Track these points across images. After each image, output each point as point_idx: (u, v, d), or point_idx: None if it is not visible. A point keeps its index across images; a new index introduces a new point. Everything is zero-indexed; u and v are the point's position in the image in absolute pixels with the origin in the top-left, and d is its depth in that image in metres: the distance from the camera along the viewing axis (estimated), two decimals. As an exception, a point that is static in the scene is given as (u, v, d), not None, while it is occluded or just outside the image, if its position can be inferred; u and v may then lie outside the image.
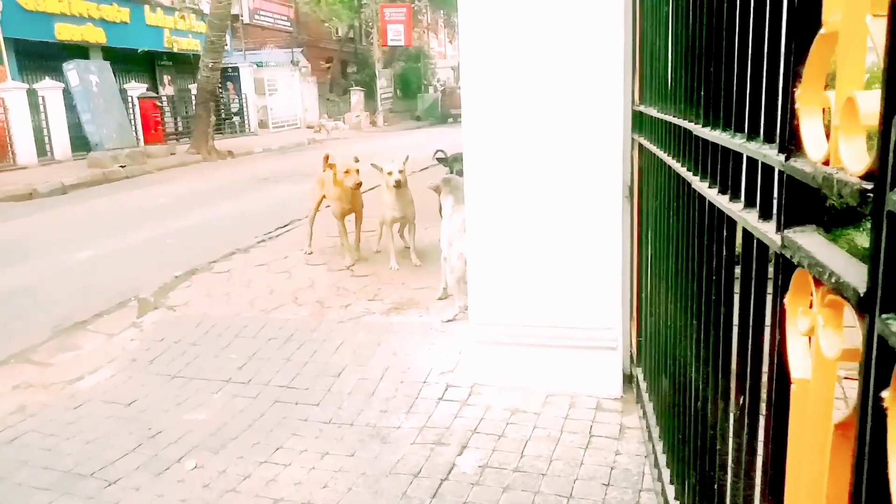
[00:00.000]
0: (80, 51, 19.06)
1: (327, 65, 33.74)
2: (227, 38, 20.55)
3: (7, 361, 4.30)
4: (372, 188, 7.11)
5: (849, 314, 0.83)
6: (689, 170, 1.83)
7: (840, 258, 0.85)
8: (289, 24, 31.37)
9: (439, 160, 6.50)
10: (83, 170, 14.51)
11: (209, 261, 6.39)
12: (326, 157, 6.50)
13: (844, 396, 2.47)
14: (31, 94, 16.27)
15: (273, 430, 3.30)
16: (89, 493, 2.83)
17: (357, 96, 30.23)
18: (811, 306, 0.94)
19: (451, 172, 5.67)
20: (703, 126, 1.62)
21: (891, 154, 0.66)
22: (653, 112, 2.55)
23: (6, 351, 4.43)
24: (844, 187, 0.78)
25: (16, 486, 2.90)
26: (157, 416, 3.49)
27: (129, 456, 3.12)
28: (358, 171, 5.96)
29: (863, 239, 4.25)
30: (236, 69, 25.75)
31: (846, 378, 2.29)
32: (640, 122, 3.00)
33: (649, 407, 2.90)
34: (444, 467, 2.90)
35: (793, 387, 1.00)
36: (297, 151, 19.86)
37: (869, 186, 0.72)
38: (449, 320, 4.36)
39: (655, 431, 2.69)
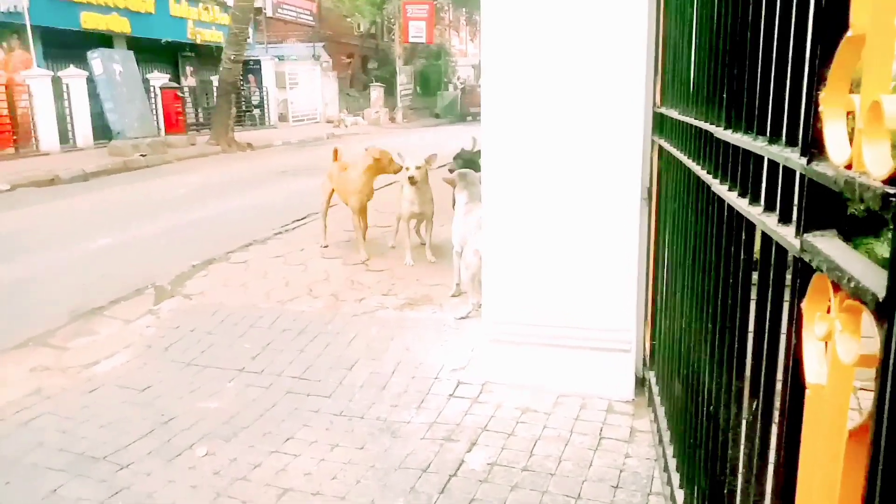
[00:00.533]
0: (104, 40, 19.23)
1: (348, 60, 33.82)
2: (250, 30, 20.69)
3: (25, 344, 4.36)
4: (389, 184, 7.13)
5: (867, 321, 0.82)
6: (708, 172, 1.82)
7: (859, 263, 0.85)
8: (311, 18, 31.49)
9: (455, 158, 6.48)
10: (104, 158, 14.64)
11: (226, 251, 6.44)
12: (336, 151, 6.55)
13: (859, 407, 2.44)
14: (56, 81, 16.43)
15: (284, 421, 3.32)
16: (102, 476, 2.86)
17: (377, 92, 30.27)
18: (829, 311, 0.93)
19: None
20: (725, 128, 1.61)
21: (915, 158, 0.66)
22: (674, 114, 2.53)
23: (25, 334, 4.49)
24: (867, 191, 0.77)
25: (31, 466, 2.94)
26: (170, 403, 3.52)
27: (141, 441, 3.15)
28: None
29: (882, 248, 4.20)
30: (258, 62, 25.86)
31: (861, 388, 2.27)
32: (660, 124, 2.98)
33: (661, 410, 2.89)
34: (453, 463, 2.90)
35: (807, 392, 0.99)
36: (316, 145, 19.91)
37: (892, 191, 0.71)
38: (462, 317, 4.36)
39: (666, 435, 2.68)
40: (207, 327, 4.50)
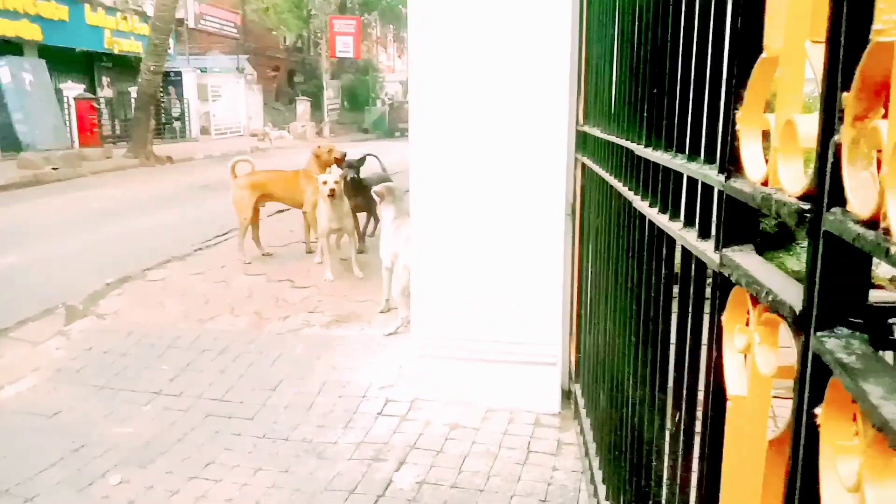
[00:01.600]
0: (13, 47, 18.29)
1: (274, 73, 33.33)
2: (171, 41, 20.08)
3: (-81, 369, 4.05)
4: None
5: (784, 333, 0.84)
6: (630, 189, 1.86)
7: (777, 277, 0.87)
8: (235, 30, 30.88)
9: (349, 166, 6.49)
10: (13, 170, 13.89)
11: (143, 268, 6.19)
12: (233, 167, 6.72)
13: (773, 415, 2.54)
14: (-42, 89, 15.56)
15: (204, 445, 3.19)
16: (4, 509, 2.68)
17: (303, 106, 29.92)
18: (748, 324, 0.95)
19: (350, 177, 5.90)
20: (646, 146, 1.65)
21: (828, 175, 0.68)
22: (596, 132, 2.59)
23: (-82, 358, 4.18)
24: (783, 207, 0.79)
25: (-78, 502, 2.73)
26: (82, 429, 3.33)
27: (50, 470, 2.96)
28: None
29: (792, 262, 4.41)
30: (179, 73, 25.18)
31: (776, 397, 2.36)
32: (583, 142, 3.05)
33: (587, 423, 2.93)
34: (381, 483, 2.86)
35: (729, 403, 1.01)
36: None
37: (806, 207, 0.73)
38: (391, 333, 4.32)
39: (592, 447, 2.71)
40: (122, 349, 4.29)
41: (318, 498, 2.76)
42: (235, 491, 2.82)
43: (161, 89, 19.71)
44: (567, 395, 3.50)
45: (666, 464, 1.44)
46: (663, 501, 1.49)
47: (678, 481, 1.34)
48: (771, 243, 4.70)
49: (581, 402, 3.16)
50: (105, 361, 4.14)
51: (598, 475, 2.52)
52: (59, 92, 18.69)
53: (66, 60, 20.58)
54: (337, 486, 2.84)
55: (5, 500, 2.75)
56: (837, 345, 0.67)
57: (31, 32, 18.95)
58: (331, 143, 6.52)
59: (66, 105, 18.69)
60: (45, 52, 19.33)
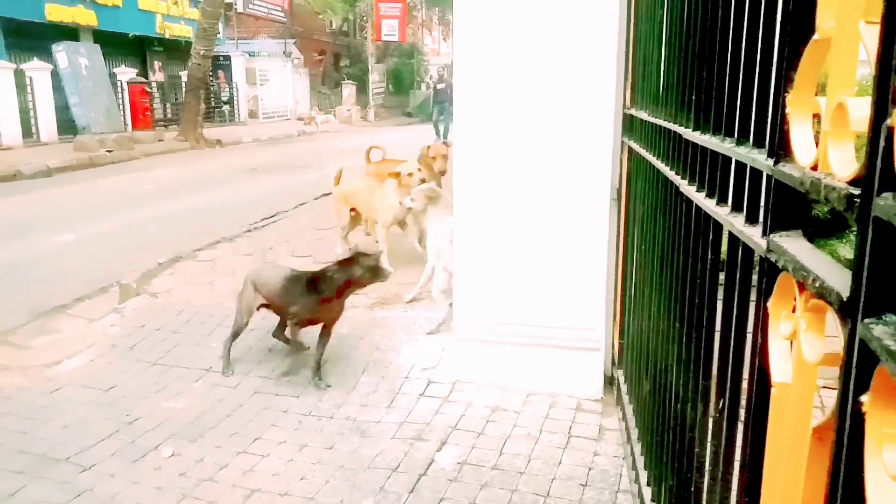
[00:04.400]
0: (70, 33, 18.82)
1: (320, 57, 33.58)
2: (220, 26, 20.39)
3: (-16, 343, 4.25)
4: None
5: (831, 320, 0.83)
6: (677, 173, 1.84)
7: (824, 263, 0.86)
8: (282, 14, 31.17)
9: None
10: (69, 153, 14.34)
11: (194, 249, 6.35)
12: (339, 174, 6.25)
13: (822, 405, 2.49)
14: (19, 74, 16.07)
15: (252, 421, 3.28)
16: (63, 477, 2.80)
17: (349, 90, 30.11)
18: (794, 311, 0.94)
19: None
20: (694, 130, 1.62)
21: (879, 159, 0.67)
22: (643, 115, 2.56)
23: (-17, 332, 4.38)
24: (832, 192, 0.78)
25: (-11, 468, 2.87)
26: (135, 403, 3.46)
27: (105, 442, 3.09)
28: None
29: (845, 250, 4.29)
30: (228, 58, 25.57)
31: (824, 387, 2.32)
32: (630, 125, 3.01)
33: (629, 409, 2.91)
34: (422, 462, 2.90)
35: (773, 390, 1.01)
36: (286, 142, 19.77)
37: (856, 192, 0.72)
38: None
39: (634, 433, 2.70)
40: (174, 326, 4.43)
41: (362, 475, 2.82)
42: (281, 466, 2.89)
43: (210, 73, 20.06)
44: (610, 381, 3.48)
45: (708, 450, 1.43)
46: (705, 488, 1.48)
47: (720, 468, 1.34)
48: (823, 231, 4.57)
49: (624, 387, 3.14)
50: (157, 338, 4.27)
51: (640, 461, 2.51)
52: (112, 76, 19.18)
53: (119, 45, 21.13)
54: (379, 463, 2.89)
55: (65, 468, 2.87)
56: (885, 332, 0.66)
57: (86, 18, 19.48)
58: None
59: (119, 89, 19.17)
60: (99, 37, 19.87)
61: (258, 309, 3.77)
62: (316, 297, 3.49)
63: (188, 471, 2.86)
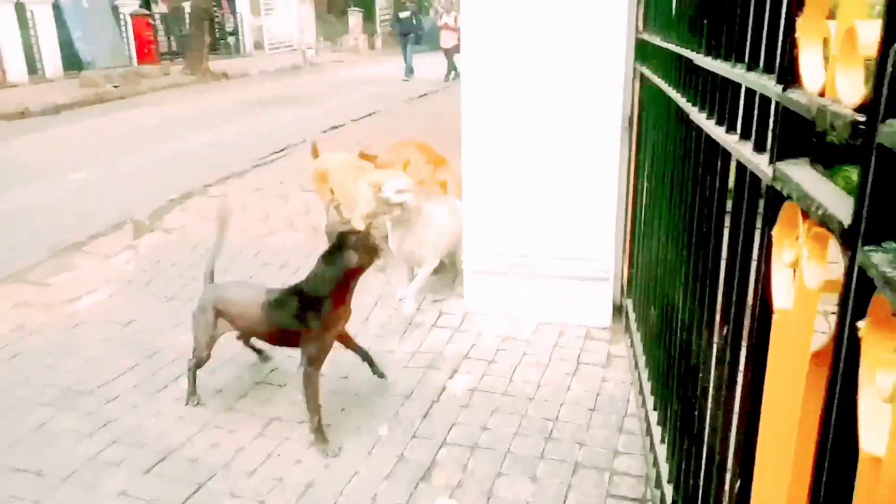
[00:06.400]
0: (68, -36, 18.36)
1: (325, -16, 32.61)
2: (222, -47, 19.81)
3: (5, 281, 4.33)
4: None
5: (833, 248, 0.83)
6: (688, 100, 1.81)
7: (828, 191, 0.86)
8: (285, -61, 30.16)
9: None
10: (75, 89, 14.22)
11: (204, 184, 6.36)
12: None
13: (830, 331, 2.51)
14: (20, 8, 15.77)
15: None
16: (90, 408, 2.90)
17: (355, 18, 29.35)
18: (798, 239, 0.94)
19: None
20: (705, 55, 1.59)
21: (885, 85, 0.65)
22: (656, 40, 2.49)
23: (4, 271, 4.45)
24: (837, 119, 0.77)
25: (17, 401, 2.97)
26: (153, 337, 3.54)
27: (126, 374, 3.18)
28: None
29: (860, 176, 4.23)
30: (231, -14, 24.93)
31: (833, 314, 2.34)
32: (643, 51, 2.94)
33: (637, 336, 2.95)
34: (435, 390, 2.97)
35: (774, 316, 1.02)
36: (293, 74, 19.46)
37: (861, 118, 0.71)
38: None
39: (642, 360, 2.75)
40: (188, 262, 4.48)
41: (376, 402, 2.90)
42: (299, 395, 2.97)
43: (214, 3, 19.60)
44: (619, 309, 3.52)
45: (712, 376, 1.46)
46: (708, 412, 1.52)
47: (723, 392, 1.37)
48: (840, 157, 4.50)
49: (632, 316, 3.18)
50: (172, 274, 4.34)
51: (647, 386, 2.56)
52: (115, 10, 18.79)
53: (119, -24, 20.58)
54: (393, 391, 2.97)
55: (89, 400, 2.97)
56: (884, 259, 0.66)
57: (85, -52, 18.94)
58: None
59: (122, 22, 18.81)
60: (98, -33, 19.33)
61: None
62: (318, 314, 2.65)
63: (208, 402, 2.95)
